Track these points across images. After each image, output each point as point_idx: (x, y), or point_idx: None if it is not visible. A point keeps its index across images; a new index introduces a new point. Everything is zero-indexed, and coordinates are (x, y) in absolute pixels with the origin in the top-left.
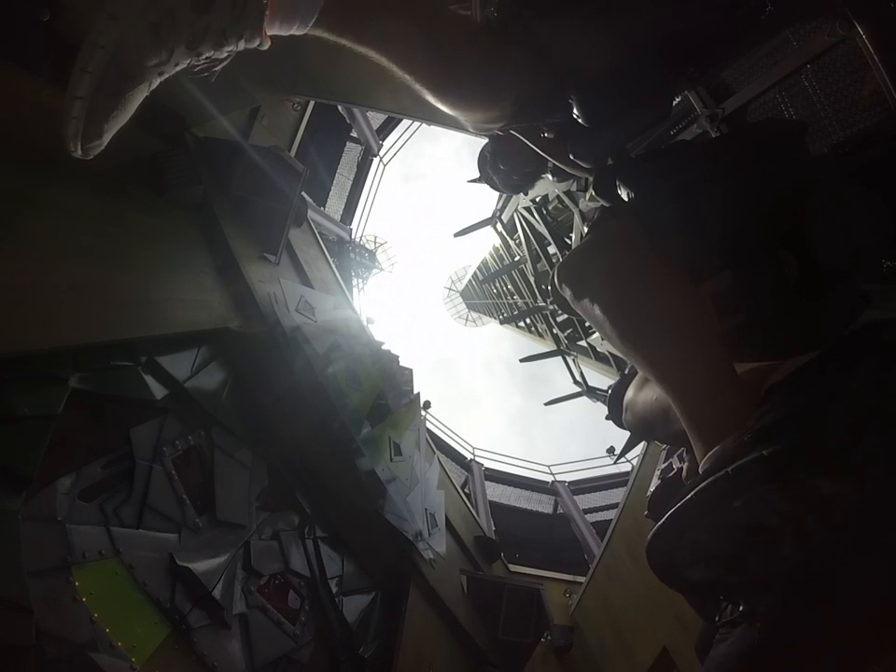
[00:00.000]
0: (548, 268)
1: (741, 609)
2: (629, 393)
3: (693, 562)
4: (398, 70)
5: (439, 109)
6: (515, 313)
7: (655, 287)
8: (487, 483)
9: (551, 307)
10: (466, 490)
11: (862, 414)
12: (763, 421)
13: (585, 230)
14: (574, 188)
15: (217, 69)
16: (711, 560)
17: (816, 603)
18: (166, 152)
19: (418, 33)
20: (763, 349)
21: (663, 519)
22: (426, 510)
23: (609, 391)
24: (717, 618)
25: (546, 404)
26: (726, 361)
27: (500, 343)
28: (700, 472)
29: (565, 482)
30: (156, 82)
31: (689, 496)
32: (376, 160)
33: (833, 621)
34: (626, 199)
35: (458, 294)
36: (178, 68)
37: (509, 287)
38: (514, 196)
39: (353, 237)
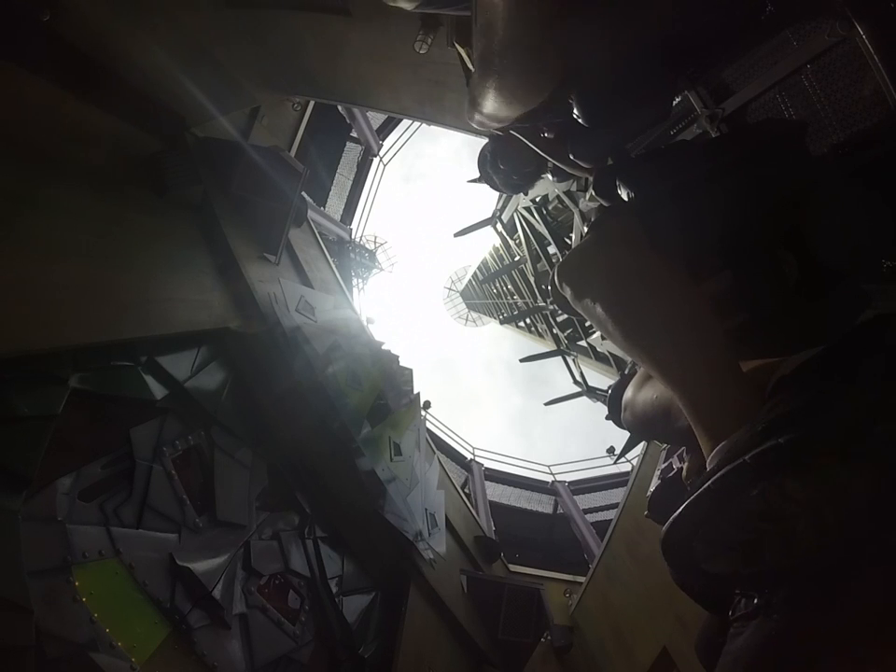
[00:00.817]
0: (548, 268)
1: (756, 601)
2: (628, 392)
3: (711, 553)
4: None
5: (439, 109)
6: (515, 313)
7: (657, 285)
8: (487, 483)
9: (551, 307)
10: (466, 490)
11: (875, 402)
12: (775, 412)
13: (585, 230)
14: (574, 188)
15: None
16: (729, 551)
17: (833, 593)
18: (166, 152)
19: None
20: (762, 349)
21: (679, 510)
22: (426, 510)
23: (609, 391)
24: (730, 612)
25: (546, 404)
26: (731, 357)
27: (500, 343)
28: (709, 467)
29: (565, 482)
30: None
31: (705, 485)
32: (376, 160)
33: (850, 611)
34: (626, 199)
35: (458, 294)
36: None
37: (509, 287)
38: (514, 196)
39: (353, 237)
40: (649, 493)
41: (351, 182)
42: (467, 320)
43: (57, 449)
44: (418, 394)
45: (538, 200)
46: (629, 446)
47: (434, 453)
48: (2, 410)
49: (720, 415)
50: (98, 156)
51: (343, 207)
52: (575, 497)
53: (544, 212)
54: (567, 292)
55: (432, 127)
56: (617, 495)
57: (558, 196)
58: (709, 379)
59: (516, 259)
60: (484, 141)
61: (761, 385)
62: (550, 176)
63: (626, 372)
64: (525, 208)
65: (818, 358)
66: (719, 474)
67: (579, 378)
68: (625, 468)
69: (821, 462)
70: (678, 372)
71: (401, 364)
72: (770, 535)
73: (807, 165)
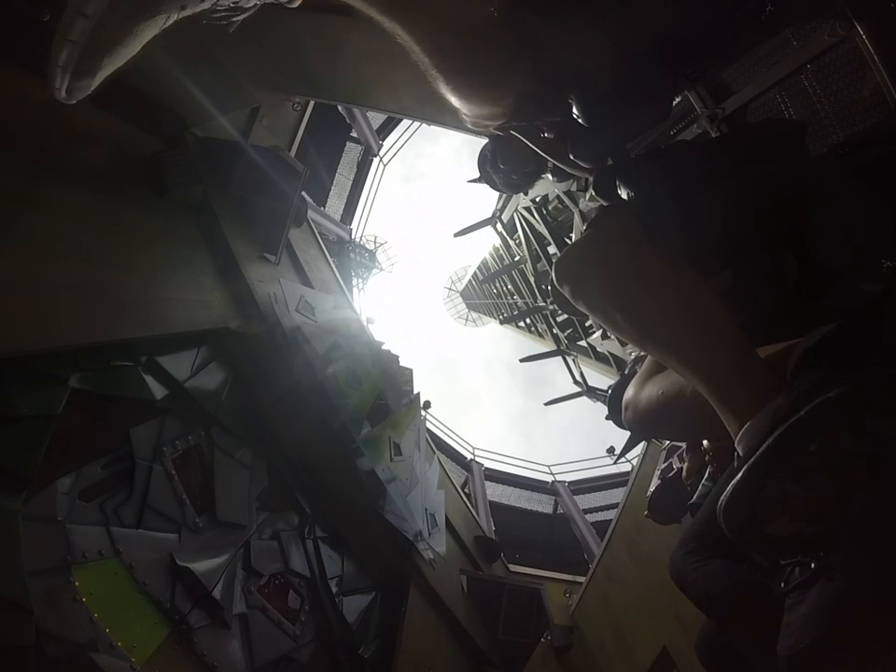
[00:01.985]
0: (548, 268)
1: (813, 566)
2: (629, 391)
3: (776, 515)
4: (414, 49)
5: (439, 109)
6: (515, 313)
7: (663, 278)
8: (487, 483)
9: (551, 307)
10: (466, 490)
11: None
12: (814, 376)
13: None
14: (574, 188)
15: (238, 18)
16: (793, 511)
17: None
18: (166, 152)
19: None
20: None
21: (739, 474)
22: (426, 510)
23: (609, 391)
24: (783, 584)
25: (546, 404)
26: (747, 339)
27: (500, 343)
28: (738, 445)
29: (565, 482)
30: (174, 17)
31: (764, 445)
32: (376, 160)
33: None
34: (626, 199)
35: (458, 294)
36: (202, 6)
37: (509, 287)
38: (514, 196)
39: (353, 237)
40: (649, 493)
41: (351, 182)
42: (467, 320)
43: (57, 449)
44: (418, 394)
45: (538, 200)
46: (629, 446)
47: (434, 453)
48: (2, 410)
49: (747, 395)
50: (98, 156)
51: (342, 207)
52: (575, 497)
53: (544, 212)
54: (566, 289)
55: (432, 127)
56: (617, 495)
57: (558, 196)
58: (732, 363)
59: (516, 258)
60: (484, 141)
61: (780, 365)
62: (550, 176)
63: (626, 372)
64: (525, 208)
65: (843, 328)
66: (777, 432)
67: (579, 378)
68: (625, 468)
69: (869, 415)
70: (696, 361)
71: (401, 364)
72: (831, 491)
73: (807, 165)
